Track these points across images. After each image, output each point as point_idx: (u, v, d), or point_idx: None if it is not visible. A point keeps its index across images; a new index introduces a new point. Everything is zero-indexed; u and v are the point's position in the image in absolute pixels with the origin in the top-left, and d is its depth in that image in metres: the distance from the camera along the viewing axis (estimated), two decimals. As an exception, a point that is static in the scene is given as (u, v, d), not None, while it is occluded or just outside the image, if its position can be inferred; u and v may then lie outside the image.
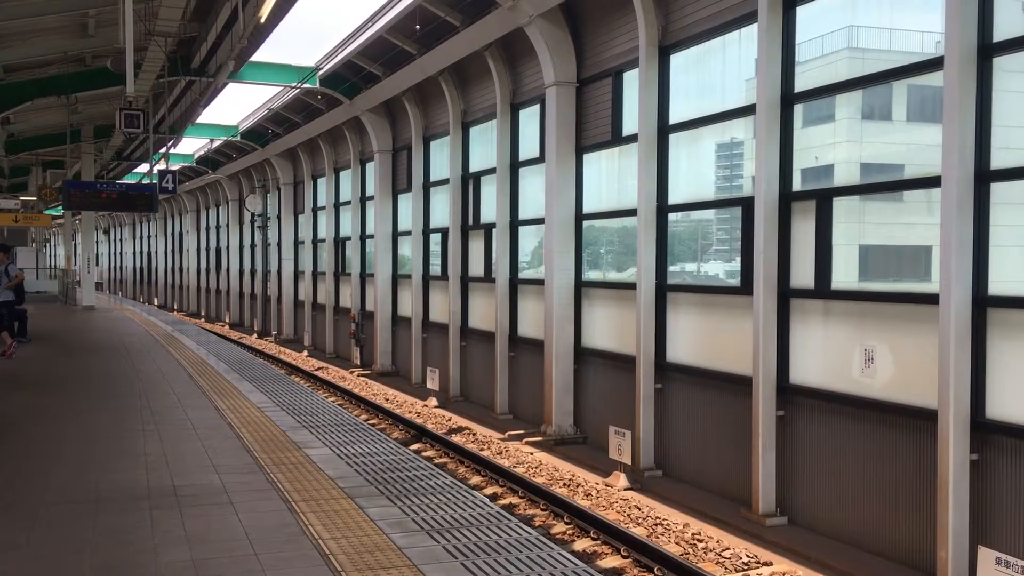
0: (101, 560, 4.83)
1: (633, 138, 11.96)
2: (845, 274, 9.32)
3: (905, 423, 8.18)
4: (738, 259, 10.47)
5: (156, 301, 51.71)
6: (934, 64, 7.84)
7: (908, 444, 8.15)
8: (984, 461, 7.45)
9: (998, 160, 7.36)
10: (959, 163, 7.36)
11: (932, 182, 7.80)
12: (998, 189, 7.41)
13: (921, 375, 7.94)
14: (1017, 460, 7.23)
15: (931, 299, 7.72)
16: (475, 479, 11.71)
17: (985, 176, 7.38)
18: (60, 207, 30.27)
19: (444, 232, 18.61)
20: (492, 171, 16.18)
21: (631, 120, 12.23)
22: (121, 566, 4.74)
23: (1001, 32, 7.33)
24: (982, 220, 7.41)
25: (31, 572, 4.66)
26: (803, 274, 9.35)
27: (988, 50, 7.36)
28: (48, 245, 64.39)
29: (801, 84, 9.43)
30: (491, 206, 16.33)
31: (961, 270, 7.39)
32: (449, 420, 15.71)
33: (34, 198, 31.64)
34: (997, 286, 7.40)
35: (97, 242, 62.42)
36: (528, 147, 15.41)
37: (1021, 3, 7.43)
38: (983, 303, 7.42)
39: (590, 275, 13.90)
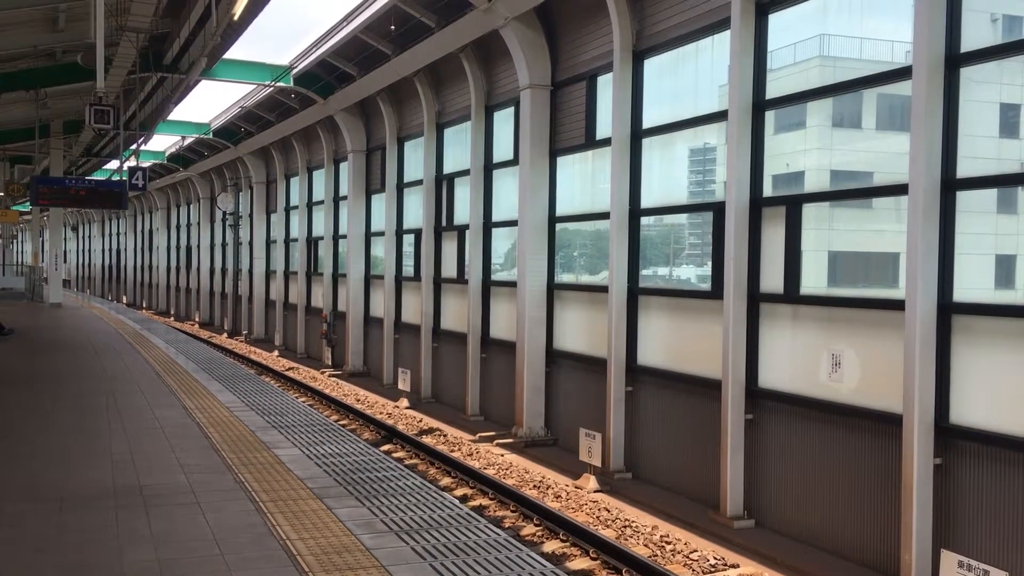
0: (65, 560, 4.78)
1: (606, 142, 12.01)
2: (814, 279, 9.41)
3: (871, 427, 8.28)
4: (709, 263, 10.55)
5: (125, 299, 51.12)
6: (903, 73, 7.95)
7: (874, 448, 8.25)
8: (947, 465, 7.56)
9: (964, 169, 7.48)
10: (926, 171, 7.47)
11: (900, 190, 7.90)
12: (964, 197, 7.53)
13: (887, 380, 8.04)
14: (979, 465, 7.35)
15: (897, 305, 7.82)
16: (445, 480, 11.70)
17: (951, 184, 7.50)
18: (28, 203, 29.86)
19: (417, 233, 18.58)
20: (466, 173, 16.17)
21: (605, 124, 12.28)
22: (86, 566, 4.69)
23: (969, 43, 7.46)
24: (948, 228, 7.53)
25: (-7, 572, 4.60)
26: (773, 279, 9.44)
27: (956, 60, 7.48)
28: (15, 241, 63.58)
29: (773, 91, 9.52)
30: (464, 207, 16.32)
31: (927, 277, 7.49)
32: (420, 421, 15.67)
33: (1, 193, 31.21)
34: (962, 293, 7.51)
35: (65, 239, 61.60)
36: (502, 149, 15.43)
37: (989, 15, 7.56)
38: (948, 310, 7.52)
39: (563, 278, 13.94)
